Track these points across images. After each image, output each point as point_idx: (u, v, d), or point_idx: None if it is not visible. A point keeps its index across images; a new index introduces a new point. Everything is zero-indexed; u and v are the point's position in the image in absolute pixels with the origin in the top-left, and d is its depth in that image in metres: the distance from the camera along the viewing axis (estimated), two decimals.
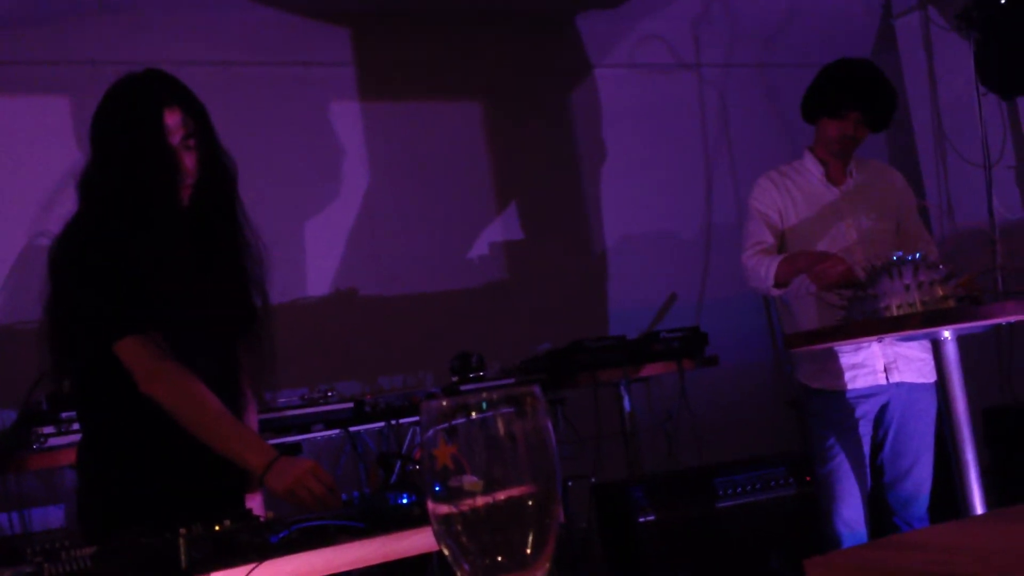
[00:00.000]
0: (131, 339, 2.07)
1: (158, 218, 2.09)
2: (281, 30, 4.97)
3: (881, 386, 3.34)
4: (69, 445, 3.34)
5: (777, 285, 3.29)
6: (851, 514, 3.33)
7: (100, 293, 2.07)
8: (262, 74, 4.91)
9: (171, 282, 2.08)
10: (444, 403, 0.75)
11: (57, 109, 4.51)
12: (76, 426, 3.26)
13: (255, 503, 2.32)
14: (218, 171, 2.19)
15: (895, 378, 3.33)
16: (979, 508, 2.86)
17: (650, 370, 4.37)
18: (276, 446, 3.92)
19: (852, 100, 3.36)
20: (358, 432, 4.05)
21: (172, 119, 2.10)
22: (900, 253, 2.84)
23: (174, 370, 2.06)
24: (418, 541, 1.82)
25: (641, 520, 3.83)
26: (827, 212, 3.43)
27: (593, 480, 4.24)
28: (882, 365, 3.33)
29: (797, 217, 3.44)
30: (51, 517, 3.99)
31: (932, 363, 3.06)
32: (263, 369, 2.26)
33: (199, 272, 2.14)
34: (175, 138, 2.10)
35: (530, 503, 0.74)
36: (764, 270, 3.29)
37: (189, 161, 2.13)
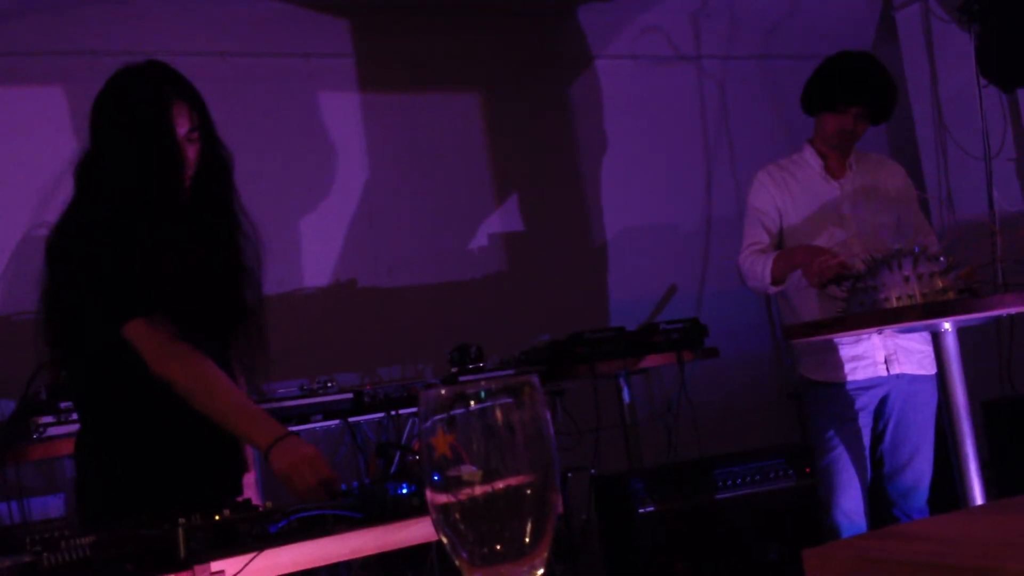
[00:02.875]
0: (140, 320, 2.09)
1: (165, 208, 2.11)
2: (280, 21, 4.96)
3: (881, 378, 3.34)
4: (68, 435, 3.34)
5: (774, 282, 3.30)
6: (851, 505, 3.33)
7: (105, 277, 2.09)
8: (260, 65, 4.90)
9: (175, 268, 2.09)
10: (443, 393, 0.75)
11: (56, 99, 4.50)
12: (75, 416, 3.26)
13: (250, 489, 2.33)
14: (217, 163, 2.21)
15: (895, 370, 3.33)
16: (978, 499, 2.86)
17: (650, 362, 4.37)
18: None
19: (852, 95, 3.34)
20: (357, 423, 4.05)
21: (179, 112, 2.13)
22: (900, 245, 2.84)
23: (185, 350, 2.08)
24: (417, 531, 1.82)
25: (640, 512, 3.84)
26: (827, 205, 3.43)
27: (592, 472, 4.25)
28: (882, 357, 3.33)
29: (796, 211, 3.43)
30: (50, 507, 4.00)
31: (932, 355, 3.06)
32: (255, 360, 2.28)
33: (201, 262, 2.16)
34: (181, 131, 2.13)
35: (528, 492, 0.74)
36: (760, 268, 3.29)
37: (191, 153, 2.16)
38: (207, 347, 2.15)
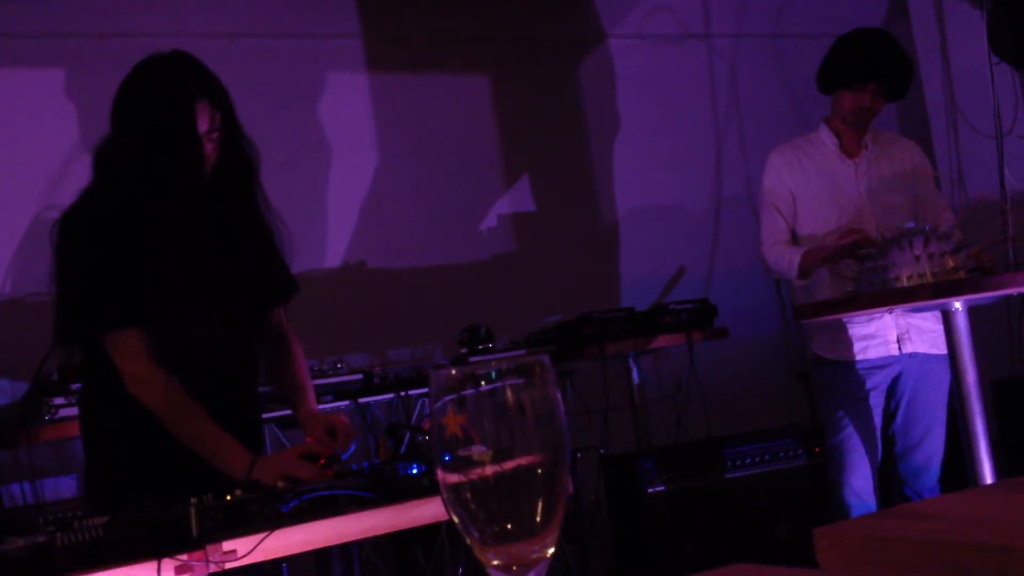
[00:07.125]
0: (118, 335, 2.09)
1: (179, 213, 2.10)
2: (287, 2, 4.94)
3: (894, 357, 3.34)
4: None
5: (802, 275, 3.32)
6: (860, 484, 3.33)
7: (95, 282, 2.08)
8: (268, 46, 4.89)
9: (174, 286, 2.09)
10: (454, 373, 0.75)
11: (64, 82, 4.50)
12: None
13: None
14: (239, 160, 2.20)
15: (908, 349, 3.33)
16: (988, 478, 2.86)
17: (659, 342, 4.37)
18: (286, 418, 3.93)
19: (869, 71, 3.34)
20: (367, 404, 4.06)
21: (201, 111, 2.11)
22: (911, 224, 2.83)
23: (157, 376, 2.08)
24: (427, 510, 1.83)
25: (650, 491, 3.85)
26: (841, 184, 3.42)
27: (602, 452, 4.25)
28: (894, 336, 3.32)
29: (810, 190, 3.43)
30: (63, 487, 4.02)
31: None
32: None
33: (217, 260, 2.16)
34: (201, 129, 2.11)
35: (539, 472, 0.74)
36: (787, 262, 3.31)
37: (209, 150, 2.14)
38: (230, 338, 2.17)
